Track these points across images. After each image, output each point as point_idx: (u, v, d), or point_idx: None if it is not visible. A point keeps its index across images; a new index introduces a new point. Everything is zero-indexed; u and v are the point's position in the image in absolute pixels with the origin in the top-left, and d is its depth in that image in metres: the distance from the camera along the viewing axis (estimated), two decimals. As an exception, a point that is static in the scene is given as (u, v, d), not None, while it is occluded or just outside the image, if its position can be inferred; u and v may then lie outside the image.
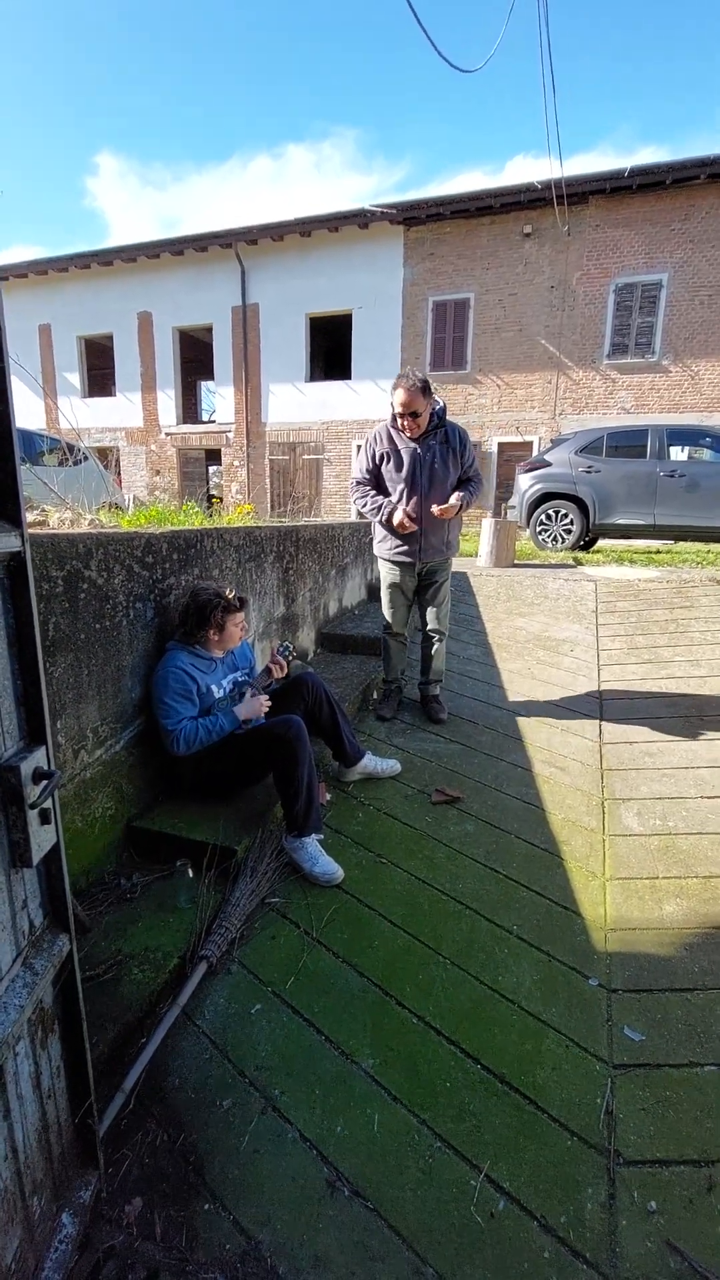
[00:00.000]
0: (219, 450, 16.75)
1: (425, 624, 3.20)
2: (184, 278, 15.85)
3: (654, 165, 11.66)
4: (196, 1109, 1.35)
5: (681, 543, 8.14)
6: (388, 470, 2.93)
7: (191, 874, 1.90)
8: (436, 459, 2.84)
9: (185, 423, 17.19)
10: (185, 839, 1.99)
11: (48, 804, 0.98)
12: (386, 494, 2.97)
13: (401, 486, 2.90)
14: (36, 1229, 1.02)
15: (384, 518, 2.95)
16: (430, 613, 3.17)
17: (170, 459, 17.03)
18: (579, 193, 12.26)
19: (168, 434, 16.94)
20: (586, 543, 7.91)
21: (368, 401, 14.89)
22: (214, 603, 2.10)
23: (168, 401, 16.79)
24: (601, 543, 8.51)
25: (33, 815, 0.95)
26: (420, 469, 2.85)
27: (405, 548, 2.99)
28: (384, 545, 3.07)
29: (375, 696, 3.39)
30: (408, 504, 2.88)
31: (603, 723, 3.11)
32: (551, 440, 9.49)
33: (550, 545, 7.75)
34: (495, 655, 4.04)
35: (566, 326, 13.18)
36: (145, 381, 16.80)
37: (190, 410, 18.65)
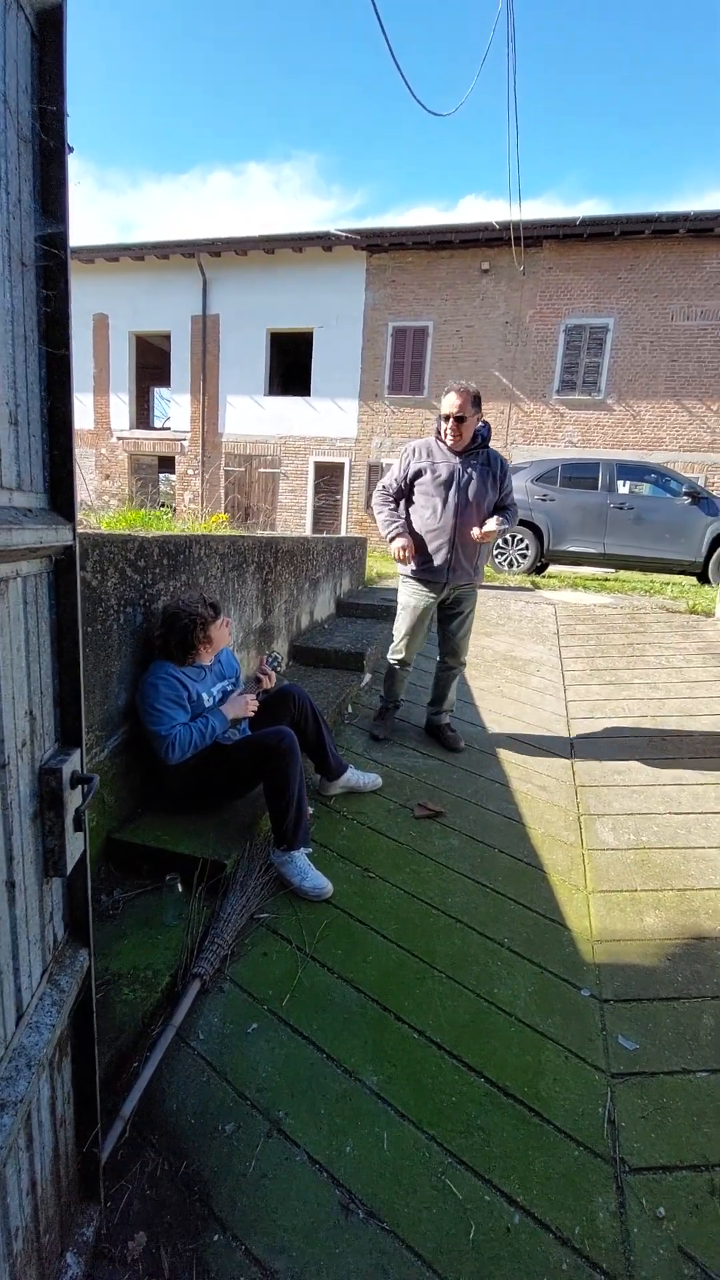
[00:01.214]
0: (172, 458, 16.48)
1: (444, 652, 3.03)
2: (143, 283, 15.64)
3: (604, 217, 12.39)
4: (197, 1135, 1.29)
5: (624, 571, 8.55)
6: (423, 484, 2.77)
7: (180, 889, 1.84)
8: (475, 479, 2.70)
9: (138, 428, 16.85)
10: (171, 852, 1.92)
11: (85, 810, 0.94)
12: (410, 507, 2.84)
13: (437, 500, 2.74)
14: (46, 1271, 0.95)
15: (390, 534, 2.84)
16: (451, 642, 2.99)
17: (121, 464, 16.63)
18: (534, 236, 12.86)
19: (120, 438, 16.56)
20: (540, 567, 8.19)
21: (326, 419, 15.01)
22: (193, 624, 2.01)
23: (121, 406, 16.44)
24: (553, 568, 8.82)
25: (69, 821, 0.90)
26: (459, 484, 2.70)
27: (432, 564, 2.80)
28: (413, 561, 2.86)
29: (349, 710, 3.38)
30: (440, 518, 2.73)
31: (573, 740, 3.21)
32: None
33: (506, 569, 7.98)
34: (465, 673, 4.11)
35: (519, 360, 13.72)
36: (98, 384, 16.40)
37: (144, 416, 18.30)
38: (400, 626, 2.99)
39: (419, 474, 2.77)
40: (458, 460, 2.71)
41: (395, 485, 2.85)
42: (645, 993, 1.69)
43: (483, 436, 2.72)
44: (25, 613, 0.83)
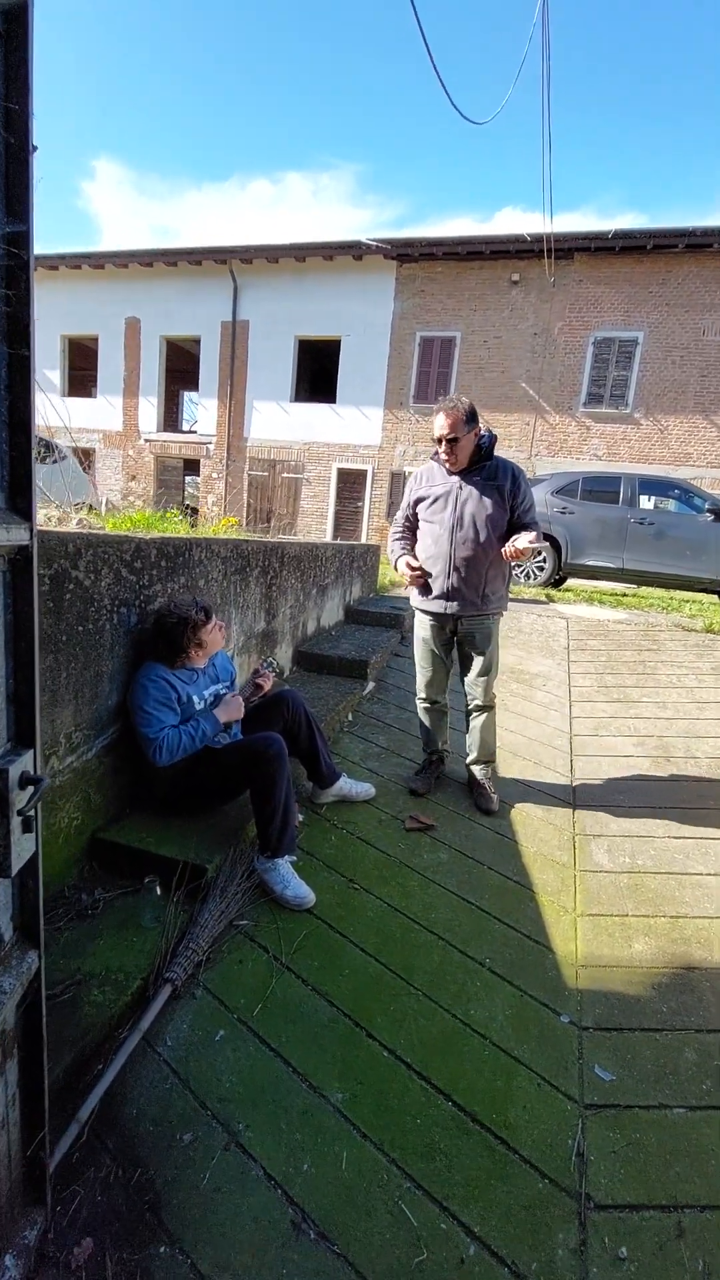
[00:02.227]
0: (198, 461, 16.67)
1: (465, 694, 2.78)
2: (176, 288, 15.90)
3: (637, 230, 12.29)
4: (155, 1143, 1.28)
5: (645, 587, 8.41)
6: (423, 510, 2.60)
7: (159, 891, 1.83)
8: (474, 496, 2.48)
9: (165, 431, 17.09)
10: (153, 854, 1.92)
11: (31, 811, 0.93)
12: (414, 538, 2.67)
13: (436, 525, 2.55)
14: (-21, 1273, 0.94)
15: (395, 561, 2.68)
16: (469, 682, 2.72)
17: (147, 465, 16.87)
18: (565, 248, 12.80)
19: (147, 440, 16.81)
20: (558, 580, 8.09)
21: (350, 426, 15.07)
22: (181, 627, 2.01)
23: (149, 408, 16.69)
24: (571, 582, 8.72)
25: (16, 822, 0.90)
26: (456, 504, 2.50)
27: (431, 594, 2.60)
28: (413, 590, 2.70)
29: (349, 718, 3.36)
30: (438, 543, 2.55)
31: (574, 758, 3.15)
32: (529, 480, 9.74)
33: (523, 581, 7.90)
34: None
35: (546, 372, 13.64)
36: (128, 386, 16.68)
37: (171, 419, 18.58)
38: (416, 661, 2.84)
39: (420, 500, 2.63)
40: (456, 478, 2.53)
41: (403, 519, 2.73)
42: (627, 1022, 1.63)
43: (485, 448, 2.51)
44: (-26, 611, 0.83)
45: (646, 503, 7.80)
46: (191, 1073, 1.42)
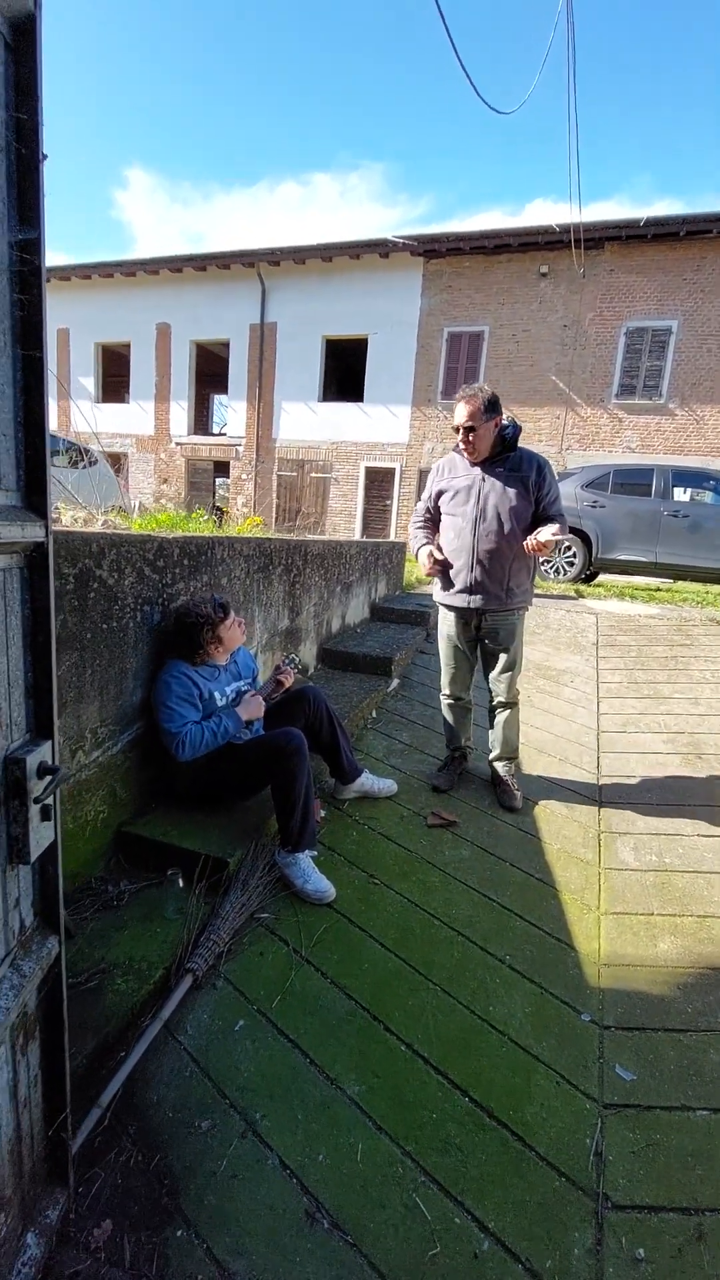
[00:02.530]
0: (227, 463, 16.87)
1: (488, 690, 2.75)
2: (205, 293, 16.10)
3: (669, 217, 11.99)
4: (174, 1129, 1.31)
5: (680, 582, 8.20)
6: (445, 502, 2.58)
7: (182, 884, 1.87)
8: (497, 488, 2.44)
9: (196, 434, 17.33)
10: (177, 847, 1.95)
11: (49, 800, 0.96)
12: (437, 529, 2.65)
13: (458, 518, 2.52)
14: (1, 1248, 0.98)
15: (416, 549, 2.65)
16: (492, 678, 2.69)
17: (179, 468, 17.13)
18: (595, 238, 12.56)
19: (178, 443, 17.07)
20: (588, 575, 7.96)
21: (378, 424, 15.06)
22: (199, 625, 2.04)
23: (180, 412, 16.95)
24: (602, 577, 8.56)
25: (34, 810, 0.93)
26: (479, 496, 2.46)
27: (454, 588, 2.57)
28: (437, 586, 2.67)
29: (373, 715, 3.37)
30: (460, 536, 2.52)
31: (601, 755, 3.10)
32: (559, 474, 9.59)
33: (552, 576, 7.80)
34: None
35: (577, 365, 13.41)
36: (159, 391, 16.97)
37: (201, 422, 18.83)
38: (440, 659, 2.82)
39: (442, 493, 2.60)
40: (478, 470, 2.49)
41: (424, 509, 2.70)
42: (650, 1022, 1.61)
43: (508, 438, 2.46)
44: (-9, 606, 0.85)
45: (681, 495, 7.61)
46: (211, 1061, 1.44)
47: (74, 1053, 1.35)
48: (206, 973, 1.66)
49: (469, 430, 2.40)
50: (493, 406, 2.38)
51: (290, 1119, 1.33)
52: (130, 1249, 1.11)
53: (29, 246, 0.85)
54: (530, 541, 2.36)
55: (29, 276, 0.86)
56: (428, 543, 2.65)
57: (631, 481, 7.68)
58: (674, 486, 7.52)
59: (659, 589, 7.80)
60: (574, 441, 13.63)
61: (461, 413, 2.38)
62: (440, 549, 2.60)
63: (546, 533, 2.34)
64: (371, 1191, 1.21)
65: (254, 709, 2.16)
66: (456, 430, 2.43)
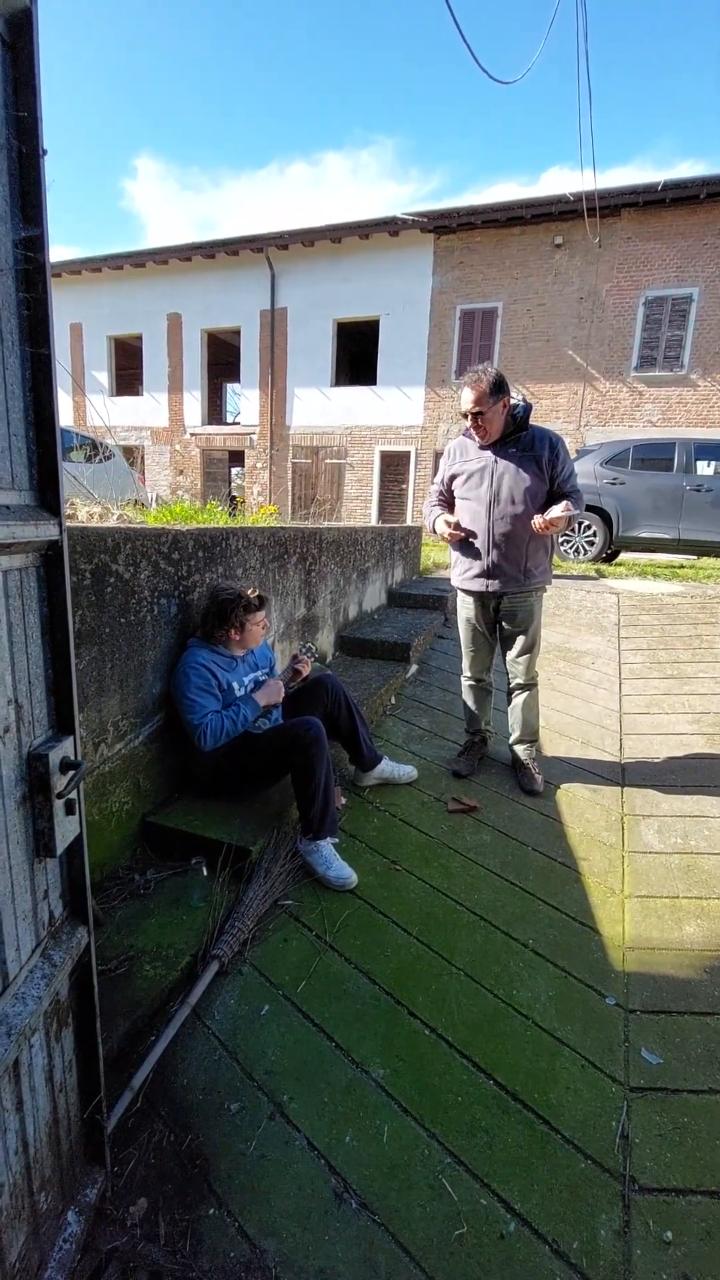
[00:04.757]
0: (242, 452, 16.85)
1: (506, 672, 2.74)
2: (214, 280, 16.00)
3: (688, 179, 11.57)
4: (204, 1111, 1.34)
5: (705, 558, 8.04)
6: (459, 486, 2.55)
7: (206, 872, 1.89)
8: (511, 469, 2.41)
9: (210, 424, 17.32)
10: (200, 837, 1.98)
11: (73, 795, 0.98)
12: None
13: (473, 501, 2.50)
14: (42, 1227, 1.01)
15: (432, 524, 2.61)
16: (510, 660, 2.68)
17: (194, 459, 17.16)
18: (611, 205, 12.20)
19: (192, 434, 17.09)
20: (609, 555, 7.84)
21: (392, 408, 14.90)
22: (234, 602, 2.09)
23: (193, 402, 16.94)
24: (624, 556, 8.42)
25: (58, 805, 0.94)
26: (493, 478, 2.44)
27: (471, 570, 2.57)
28: (454, 570, 2.68)
29: (392, 702, 3.37)
30: (474, 520, 2.50)
31: (623, 737, 3.07)
32: (577, 451, 9.41)
33: (572, 556, 7.69)
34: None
35: (595, 338, 13.10)
36: (172, 382, 16.96)
37: (215, 411, 18.80)
38: (460, 643, 2.80)
39: (454, 477, 2.57)
40: (490, 452, 2.46)
41: (437, 491, 2.67)
42: (676, 1005, 1.60)
43: (518, 418, 2.42)
44: (8, 606, 0.86)
45: (705, 469, 7.43)
46: (238, 1045, 1.47)
47: (105, 1038, 1.38)
48: (232, 959, 1.69)
49: (478, 415, 2.37)
50: (499, 387, 2.34)
51: (317, 1101, 1.35)
52: (165, 1226, 1.14)
53: (32, 244, 0.85)
54: (539, 520, 2.35)
55: (34, 274, 0.85)
56: (441, 513, 2.62)
57: (652, 456, 7.52)
58: (697, 460, 7.34)
59: (682, 566, 7.66)
60: (593, 417, 13.35)
61: (468, 398, 2.35)
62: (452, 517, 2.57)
63: (556, 510, 2.33)
64: (398, 1173, 1.23)
65: (273, 692, 2.18)
66: (465, 416, 2.41)
